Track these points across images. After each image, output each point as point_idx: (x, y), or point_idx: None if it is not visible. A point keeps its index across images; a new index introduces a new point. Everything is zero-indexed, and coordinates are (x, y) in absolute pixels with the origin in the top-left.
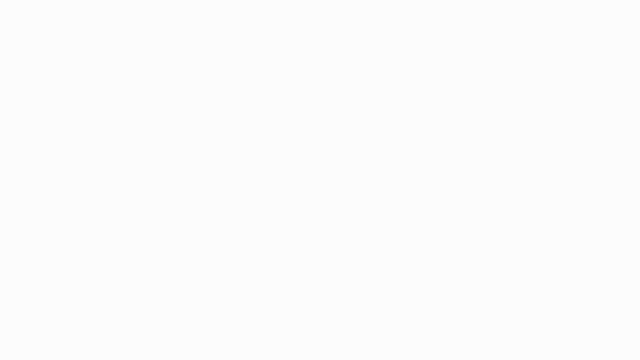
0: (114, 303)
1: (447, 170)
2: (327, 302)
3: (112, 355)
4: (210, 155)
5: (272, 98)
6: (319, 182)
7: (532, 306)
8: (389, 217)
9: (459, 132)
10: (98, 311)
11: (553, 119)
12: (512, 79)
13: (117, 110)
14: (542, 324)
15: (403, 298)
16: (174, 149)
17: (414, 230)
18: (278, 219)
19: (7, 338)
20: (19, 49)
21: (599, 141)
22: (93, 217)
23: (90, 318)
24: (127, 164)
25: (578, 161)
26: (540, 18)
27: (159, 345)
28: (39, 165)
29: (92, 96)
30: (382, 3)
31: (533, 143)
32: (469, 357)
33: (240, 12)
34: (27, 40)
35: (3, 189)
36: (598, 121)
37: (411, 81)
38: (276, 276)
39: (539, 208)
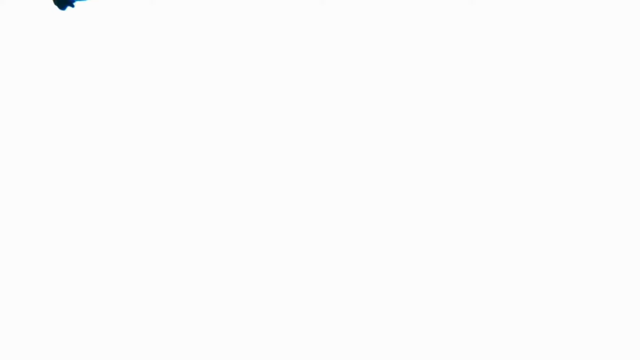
0: (113, 303)
1: (447, 170)
2: (327, 302)
3: (112, 355)
4: (210, 155)
5: (272, 98)
6: (318, 182)
7: (532, 306)
8: (389, 217)
9: (459, 132)
10: (98, 311)
11: (553, 119)
12: (512, 79)
13: (117, 110)
14: (542, 324)
15: (403, 298)
16: (174, 149)
17: (414, 230)
18: (278, 219)
19: (7, 338)
20: (18, 48)
21: (600, 141)
22: (93, 217)
23: (90, 318)
24: (127, 163)
25: (578, 161)
26: (540, 18)
27: (159, 345)
28: (39, 165)
29: (92, 96)
30: (382, 3)
31: (533, 143)
32: (469, 357)
33: (240, 12)
34: (26, 40)
35: (3, 189)
36: (598, 121)
37: (411, 81)
38: (276, 276)
39: (539, 208)
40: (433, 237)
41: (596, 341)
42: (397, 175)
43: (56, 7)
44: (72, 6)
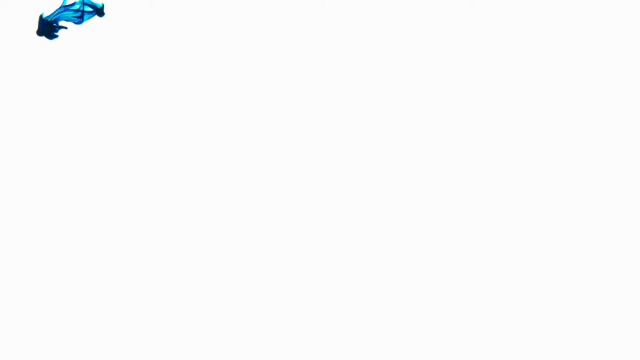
0: (113, 304)
1: (447, 171)
2: (327, 303)
3: (111, 355)
4: (210, 155)
5: (272, 98)
6: (318, 183)
7: (533, 307)
8: (389, 218)
9: (459, 133)
10: (98, 312)
11: (553, 120)
12: (512, 79)
13: (117, 111)
14: (543, 325)
15: (402, 299)
16: (174, 150)
17: (414, 232)
18: (277, 220)
19: (6, 338)
20: (18, 48)
21: (600, 142)
22: (92, 218)
23: (89, 318)
24: (127, 165)
25: (579, 162)
26: (540, 18)
27: (158, 345)
28: (39, 166)
29: (92, 97)
30: (382, 3)
31: (533, 144)
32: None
33: (240, 12)
34: (26, 40)
35: (3, 190)
36: (599, 122)
37: (411, 81)
38: (276, 277)
39: (540, 209)
40: (432, 236)
41: (596, 340)
42: (397, 175)
43: (45, 38)
44: (63, 27)
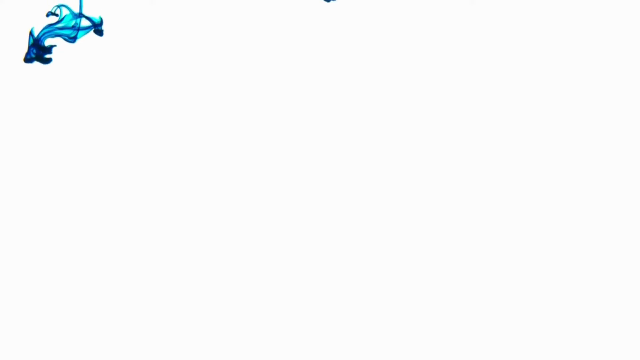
0: (113, 304)
1: (447, 172)
2: (327, 304)
3: (111, 355)
4: (210, 156)
5: (272, 99)
6: (318, 183)
7: (533, 308)
8: (389, 219)
9: (459, 133)
10: (98, 312)
11: (554, 120)
12: (512, 79)
13: (117, 111)
14: (543, 325)
15: (403, 300)
16: (174, 150)
17: (414, 233)
18: (277, 221)
19: (7, 338)
20: (17, 48)
21: (601, 143)
22: (92, 219)
23: (89, 319)
24: (127, 165)
25: (579, 163)
26: (541, 18)
27: (158, 345)
28: (38, 167)
29: (91, 97)
30: (382, 3)
31: (534, 144)
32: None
33: (240, 12)
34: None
35: (3, 190)
36: (600, 123)
37: (411, 81)
38: (276, 277)
39: (540, 210)
40: (433, 238)
41: (596, 341)
42: (398, 177)
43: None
44: (53, 45)
